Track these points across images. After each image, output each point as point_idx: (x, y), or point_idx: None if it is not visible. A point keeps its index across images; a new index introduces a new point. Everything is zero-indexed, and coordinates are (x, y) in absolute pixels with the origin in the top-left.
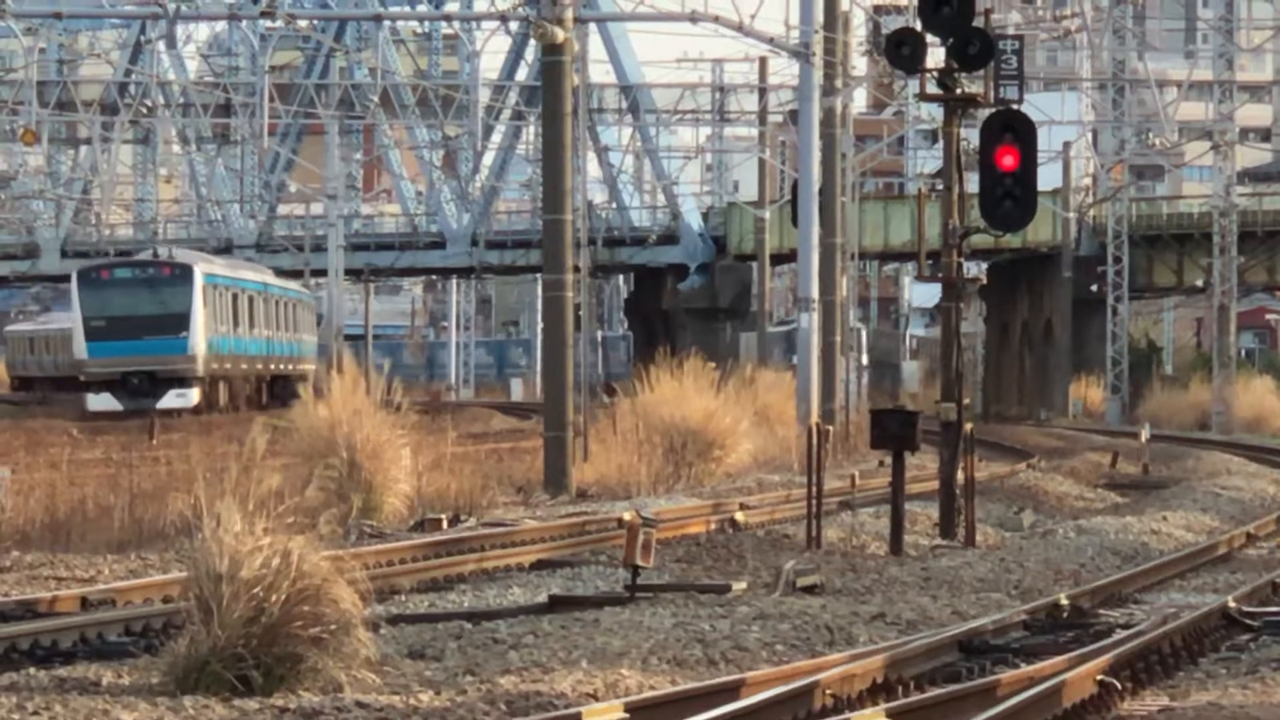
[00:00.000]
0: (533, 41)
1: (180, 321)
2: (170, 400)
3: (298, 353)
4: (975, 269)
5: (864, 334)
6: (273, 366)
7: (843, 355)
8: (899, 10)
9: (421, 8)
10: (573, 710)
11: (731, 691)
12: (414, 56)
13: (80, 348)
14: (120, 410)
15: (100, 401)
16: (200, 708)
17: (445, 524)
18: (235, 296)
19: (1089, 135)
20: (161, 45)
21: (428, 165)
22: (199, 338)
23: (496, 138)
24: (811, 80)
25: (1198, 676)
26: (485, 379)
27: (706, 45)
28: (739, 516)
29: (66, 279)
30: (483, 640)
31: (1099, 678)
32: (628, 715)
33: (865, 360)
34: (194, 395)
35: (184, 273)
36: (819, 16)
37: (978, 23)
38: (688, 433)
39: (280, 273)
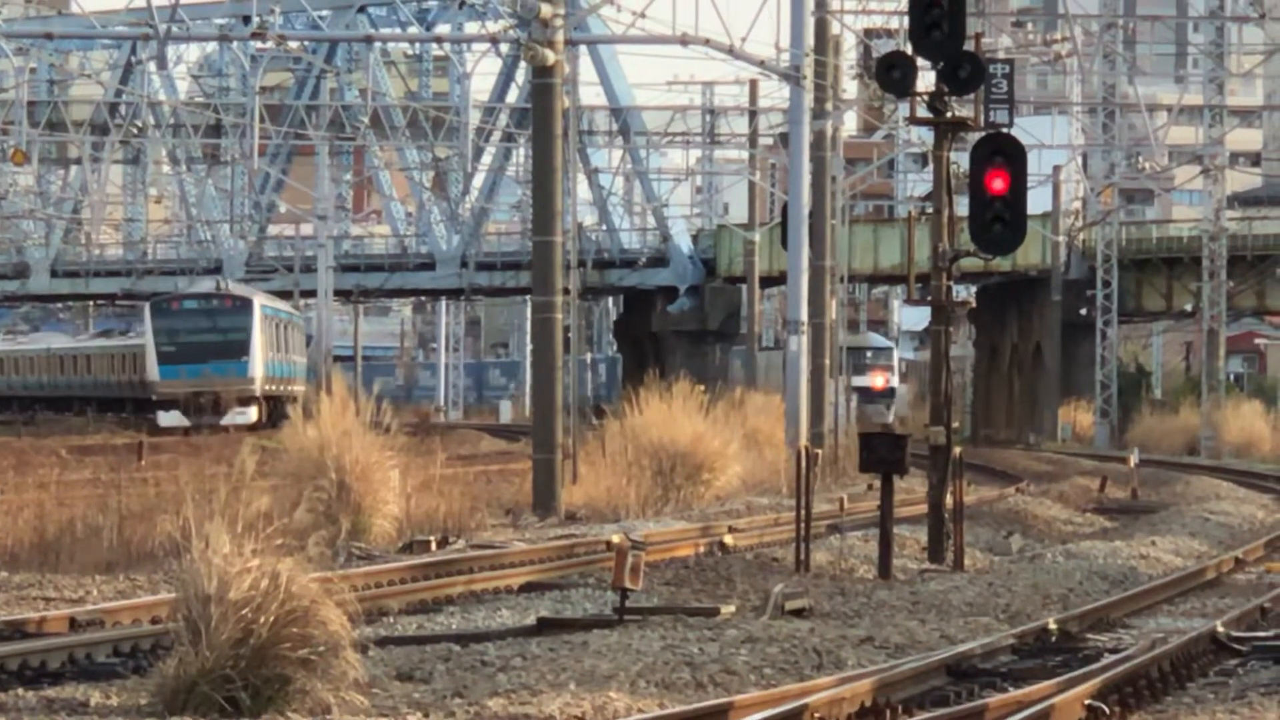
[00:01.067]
0: (523, 63)
1: (242, 348)
2: (232, 417)
3: (292, 374)
4: (964, 292)
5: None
6: (281, 388)
7: (832, 378)
8: (890, 34)
9: (412, 30)
10: None
11: (719, 714)
12: (404, 78)
13: (152, 370)
14: (188, 426)
15: (170, 419)
16: None
17: (434, 546)
18: (277, 325)
19: (1079, 159)
20: (152, 66)
21: (418, 186)
22: (258, 362)
23: (486, 159)
24: (802, 103)
25: (1186, 701)
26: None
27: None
28: (728, 539)
29: (56, 299)
30: (471, 662)
31: (1087, 702)
32: None
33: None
34: (253, 413)
35: (245, 304)
36: (810, 40)
37: (968, 46)
38: (676, 455)
39: (271, 294)
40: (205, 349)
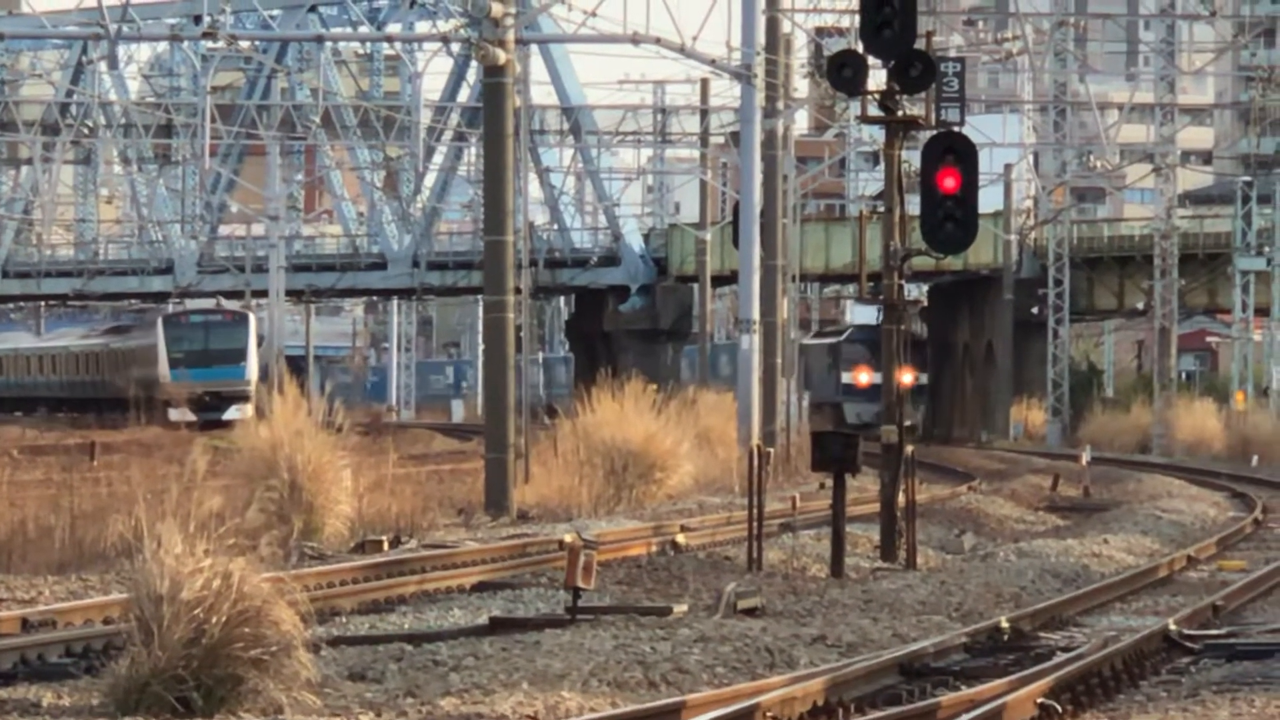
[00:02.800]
0: (474, 63)
1: (240, 355)
2: (231, 413)
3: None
4: (916, 291)
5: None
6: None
7: (784, 377)
8: (841, 33)
9: (363, 29)
10: None
11: (672, 714)
12: (355, 77)
13: (164, 373)
14: (194, 420)
15: (179, 414)
16: None
17: (386, 546)
18: (259, 335)
19: (1030, 158)
20: (103, 66)
21: (369, 186)
22: (252, 367)
23: (438, 159)
24: (753, 102)
25: (1138, 699)
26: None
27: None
28: (680, 538)
29: (7, 300)
30: (423, 662)
31: (1040, 700)
32: None
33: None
34: (249, 409)
35: (242, 319)
36: (761, 38)
37: (919, 45)
38: (629, 454)
39: (222, 294)
40: (209, 356)
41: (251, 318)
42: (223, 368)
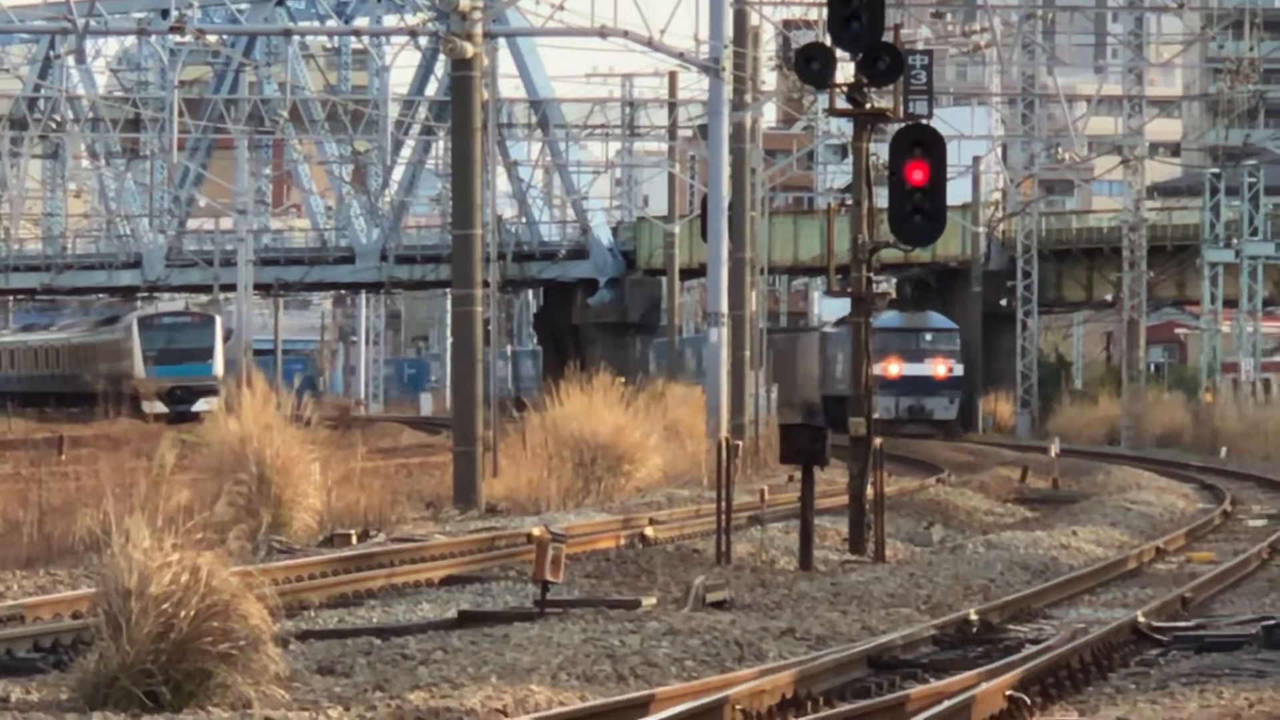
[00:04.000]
0: (442, 56)
1: (208, 353)
2: (200, 405)
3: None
4: (884, 284)
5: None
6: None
7: (752, 369)
8: (809, 25)
9: (331, 23)
10: None
11: (641, 707)
12: (323, 71)
13: (139, 369)
14: (166, 412)
15: (151, 406)
16: None
17: (355, 539)
18: (227, 330)
19: (998, 150)
20: (70, 60)
21: (337, 180)
22: (219, 363)
23: (406, 152)
24: (721, 95)
25: (1107, 691)
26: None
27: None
28: (648, 532)
29: None
30: (392, 656)
31: (1008, 693)
32: None
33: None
34: (217, 402)
35: (209, 320)
36: (729, 31)
37: (887, 38)
38: (597, 448)
39: (190, 288)
40: (180, 354)
41: (218, 319)
42: (192, 364)
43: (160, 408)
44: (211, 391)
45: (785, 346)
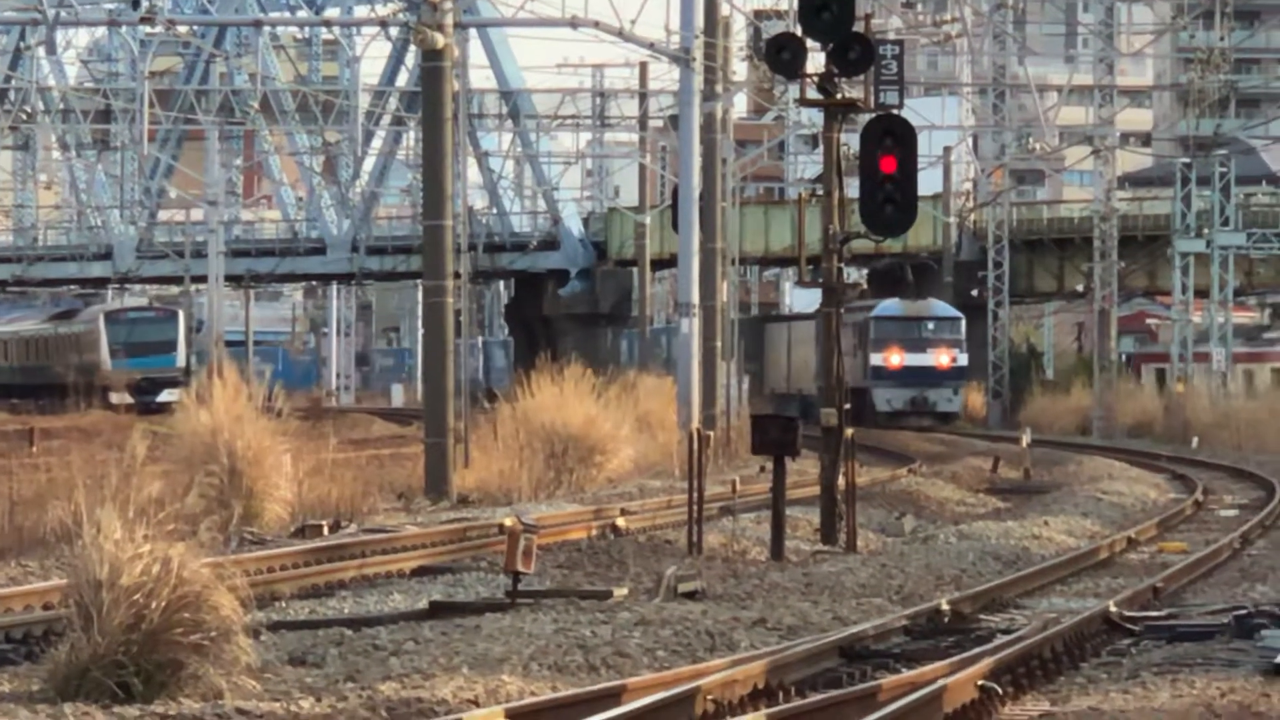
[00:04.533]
0: (413, 47)
1: (171, 345)
2: (164, 396)
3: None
4: (855, 274)
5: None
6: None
7: (723, 360)
8: (779, 15)
9: (301, 14)
10: (453, 717)
11: (613, 697)
12: (294, 62)
13: (105, 361)
14: (132, 403)
15: (119, 397)
16: (81, 715)
17: (326, 530)
18: (199, 320)
19: (969, 140)
20: (41, 51)
21: (308, 171)
22: (182, 355)
23: (377, 143)
24: (692, 85)
25: (1079, 681)
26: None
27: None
28: (620, 522)
29: None
30: (363, 647)
31: (980, 682)
32: None
33: None
34: (180, 393)
35: (173, 315)
36: (699, 22)
37: (858, 28)
38: (569, 438)
39: (161, 279)
40: (144, 347)
41: (180, 313)
42: (156, 357)
43: (127, 399)
44: (175, 383)
45: (778, 335)
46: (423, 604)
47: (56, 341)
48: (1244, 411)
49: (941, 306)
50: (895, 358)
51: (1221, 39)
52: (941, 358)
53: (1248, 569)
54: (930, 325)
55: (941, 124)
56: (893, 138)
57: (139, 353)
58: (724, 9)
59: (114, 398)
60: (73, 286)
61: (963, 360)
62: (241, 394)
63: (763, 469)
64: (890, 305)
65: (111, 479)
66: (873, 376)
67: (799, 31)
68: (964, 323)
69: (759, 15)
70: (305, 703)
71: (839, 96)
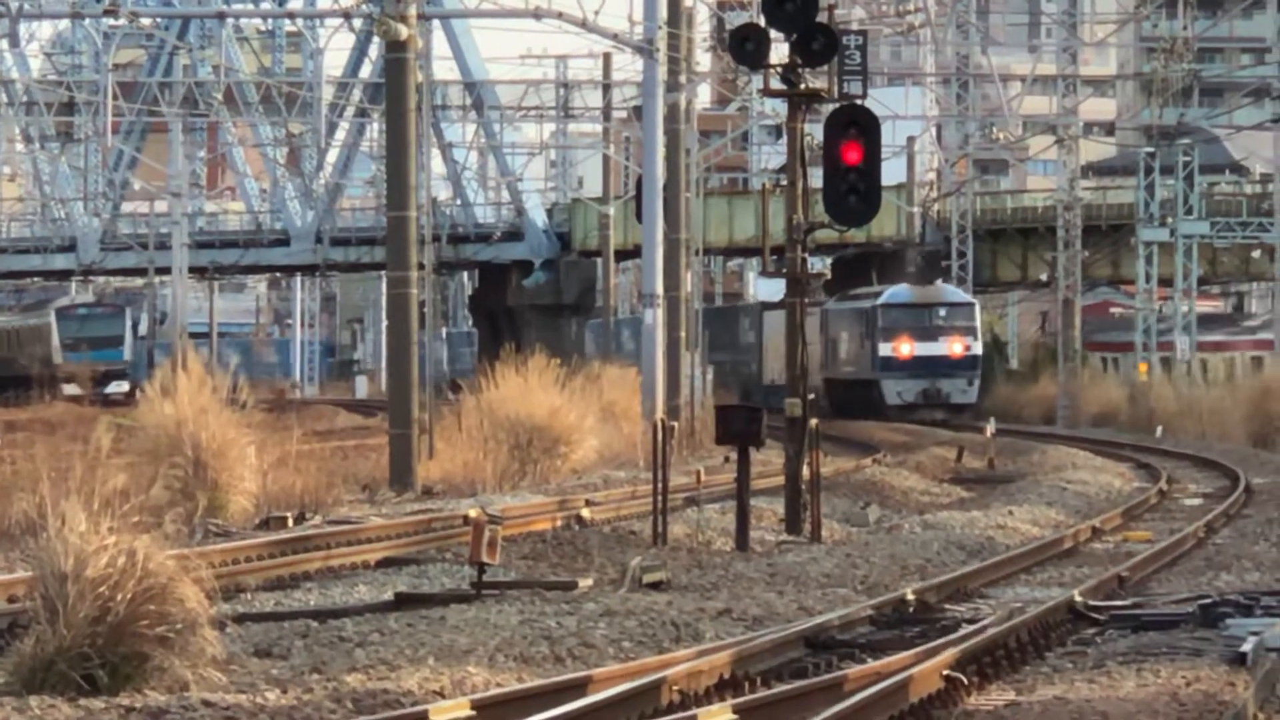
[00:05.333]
0: (376, 38)
1: (119, 340)
2: (112, 388)
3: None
4: (819, 264)
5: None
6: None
7: (687, 350)
8: (743, 6)
9: (265, 5)
10: (419, 708)
11: (578, 688)
12: (257, 54)
13: (57, 355)
14: (82, 394)
15: (70, 388)
16: (46, 708)
17: (291, 522)
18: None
19: (933, 130)
20: (4, 43)
21: (272, 163)
22: (129, 350)
23: (340, 135)
24: (655, 76)
25: (1044, 671)
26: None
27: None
28: (585, 513)
29: None
30: (329, 638)
31: (945, 672)
32: (474, 713)
33: None
34: (126, 385)
35: (120, 311)
36: (663, 12)
37: (821, 18)
38: (533, 429)
39: (124, 271)
40: (94, 341)
41: (127, 310)
42: (104, 351)
43: (75, 389)
44: (122, 375)
45: (774, 324)
46: (388, 595)
47: (13, 336)
48: (1207, 400)
49: (953, 292)
50: (905, 347)
51: (1185, 28)
52: (954, 346)
53: (1212, 558)
54: (942, 312)
55: (905, 114)
56: (856, 128)
57: (88, 347)
58: (687, 0)
59: (65, 389)
60: (36, 279)
61: (977, 348)
62: (206, 386)
63: (727, 459)
64: (899, 291)
65: (76, 471)
66: (881, 368)
67: (763, 22)
68: (978, 308)
69: (722, 6)
70: (271, 694)
71: (803, 87)
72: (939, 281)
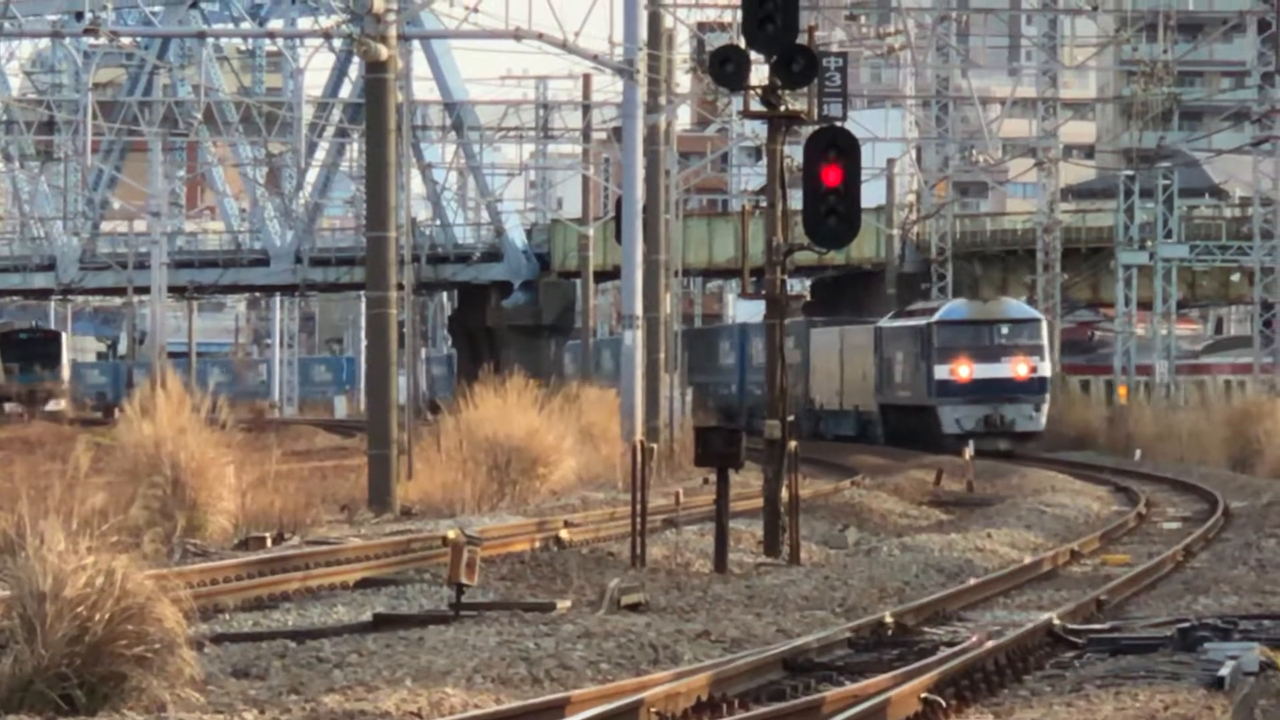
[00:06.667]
0: (356, 59)
1: (56, 360)
2: (51, 405)
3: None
4: (799, 286)
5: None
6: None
7: (666, 372)
8: (723, 28)
9: (245, 25)
10: None
11: (556, 710)
12: (237, 73)
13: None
14: (22, 411)
15: (11, 406)
16: None
17: (269, 542)
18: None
19: (913, 152)
20: None
21: (251, 182)
22: (65, 370)
23: (320, 155)
24: (635, 97)
25: (1022, 694)
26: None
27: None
28: (563, 534)
29: None
30: (307, 659)
31: (923, 695)
32: None
33: None
34: (64, 403)
35: (57, 335)
36: (643, 34)
37: (801, 40)
38: (511, 450)
39: (104, 290)
40: (32, 362)
41: (64, 335)
42: (43, 372)
43: (15, 406)
44: (60, 394)
45: (826, 343)
46: (366, 616)
47: None
48: (1186, 423)
49: (1017, 306)
50: (964, 369)
51: (1165, 52)
52: (1019, 367)
53: (1191, 581)
54: (1004, 329)
55: (885, 136)
56: (836, 150)
57: (28, 368)
58: (668, 21)
59: (7, 407)
60: (15, 298)
61: (1044, 369)
62: (185, 406)
63: (706, 481)
64: (956, 307)
65: (55, 490)
66: (938, 393)
67: (743, 44)
68: (1044, 324)
69: (702, 28)
70: (249, 715)
71: (782, 109)
72: (1001, 296)
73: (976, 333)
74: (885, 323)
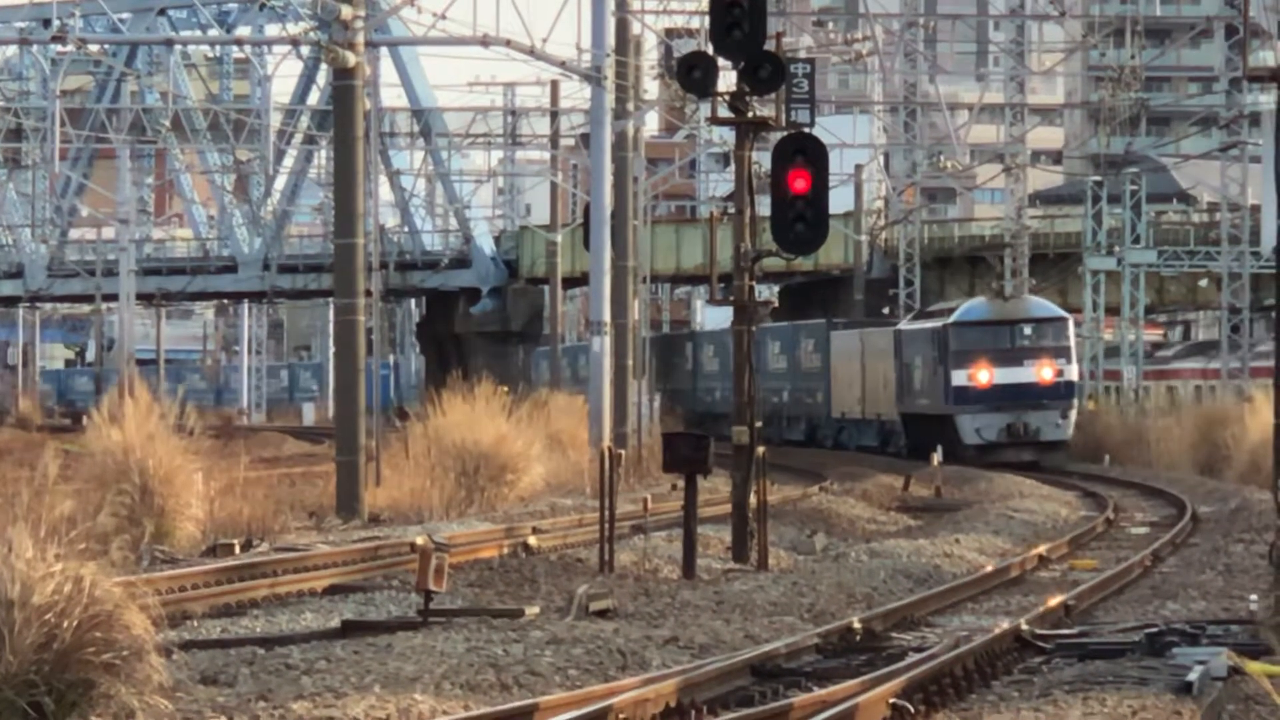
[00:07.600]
0: (324, 66)
1: None
2: None
3: None
4: (767, 292)
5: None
6: None
7: (635, 379)
8: (691, 34)
9: (213, 32)
10: None
11: (525, 716)
12: (205, 81)
13: None
14: None
15: None
16: None
17: (238, 549)
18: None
19: (881, 158)
20: None
21: (219, 190)
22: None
23: (288, 162)
24: (603, 104)
25: (990, 699)
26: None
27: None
28: (532, 541)
29: None
30: (275, 666)
31: (892, 701)
32: None
33: None
34: None
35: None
36: (610, 40)
37: (769, 46)
38: (480, 457)
39: (72, 298)
40: None
41: (7, 347)
42: None
43: None
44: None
45: (847, 347)
46: (335, 623)
47: None
48: (1154, 429)
49: (1041, 305)
50: (984, 374)
51: (1132, 57)
52: (1044, 371)
53: (1159, 586)
54: (1027, 330)
55: (853, 142)
56: (804, 156)
57: None
58: (635, 28)
59: None
60: None
61: (1071, 373)
62: (153, 413)
63: (674, 487)
64: (974, 306)
65: (23, 497)
66: (956, 400)
67: (710, 50)
68: (1070, 324)
69: (670, 34)
70: None
71: (750, 115)
72: (1024, 293)
73: (996, 334)
74: (905, 325)
